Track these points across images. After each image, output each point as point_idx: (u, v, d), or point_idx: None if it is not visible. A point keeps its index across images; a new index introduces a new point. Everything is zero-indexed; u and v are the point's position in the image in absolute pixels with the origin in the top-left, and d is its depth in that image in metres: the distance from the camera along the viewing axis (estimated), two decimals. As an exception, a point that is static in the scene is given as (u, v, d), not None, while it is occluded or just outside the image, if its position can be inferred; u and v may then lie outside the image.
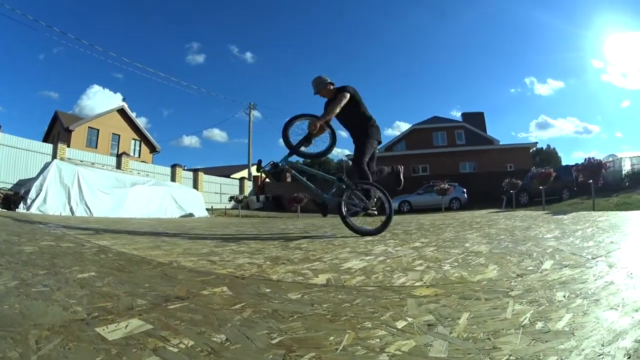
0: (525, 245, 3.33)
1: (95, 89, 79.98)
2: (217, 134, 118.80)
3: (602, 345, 1.11)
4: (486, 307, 1.51)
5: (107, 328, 1.27)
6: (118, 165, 20.37)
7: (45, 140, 31.35)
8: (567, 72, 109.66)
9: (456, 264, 2.51)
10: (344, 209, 4.83)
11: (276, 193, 29.69)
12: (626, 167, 25.66)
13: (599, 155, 36.11)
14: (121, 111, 38.86)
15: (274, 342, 1.17)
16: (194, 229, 7.03)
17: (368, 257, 2.89)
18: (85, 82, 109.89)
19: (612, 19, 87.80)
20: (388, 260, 2.72)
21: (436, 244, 3.64)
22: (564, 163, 62.51)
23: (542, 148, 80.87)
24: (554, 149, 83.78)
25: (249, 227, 7.50)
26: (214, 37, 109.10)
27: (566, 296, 1.64)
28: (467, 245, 3.48)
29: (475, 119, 43.46)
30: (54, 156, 17.01)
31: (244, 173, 39.85)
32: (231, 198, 22.91)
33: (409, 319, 1.37)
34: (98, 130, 35.56)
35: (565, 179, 18.27)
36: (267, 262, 2.76)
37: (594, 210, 7.44)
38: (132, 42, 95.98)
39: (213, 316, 1.42)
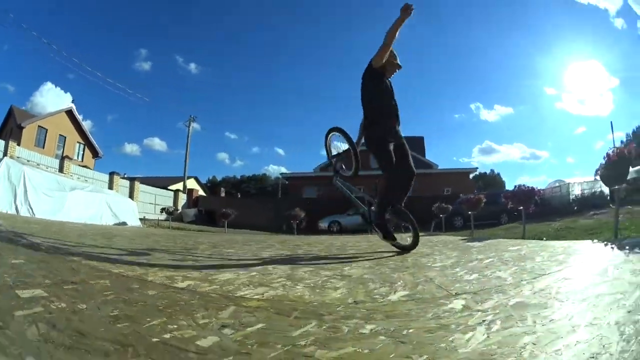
0: (403, 272, 3.22)
1: (49, 86, 77.50)
2: (158, 143, 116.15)
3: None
4: (285, 324, 1.72)
5: (22, 292, 1.97)
6: (60, 169, 20.17)
7: (-1, 133, 30.43)
8: (518, 98, 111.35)
9: (312, 284, 2.66)
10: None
11: (209, 207, 29.82)
12: (576, 192, 26.29)
13: (548, 180, 37.51)
14: (69, 112, 38.40)
15: (111, 313, 1.79)
16: (116, 235, 7.47)
17: (243, 271, 3.23)
18: (40, 79, 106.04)
19: (571, 47, 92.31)
20: (257, 276, 3.00)
21: (319, 265, 3.83)
22: (508, 187, 65.11)
23: (485, 173, 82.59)
24: (498, 174, 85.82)
25: (167, 239, 7.92)
26: (162, 46, 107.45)
27: (372, 330, 1.64)
28: (346, 268, 3.52)
29: (415, 143, 43.49)
30: (5, 153, 16.83)
31: (180, 185, 39.79)
32: (162, 210, 22.96)
33: (212, 319, 1.77)
34: (47, 129, 34.85)
35: (502, 203, 18.15)
36: (155, 268, 3.26)
37: (523, 237, 7.22)
38: (84, 41, 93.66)
39: (88, 295, 2.07)
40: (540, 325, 1.63)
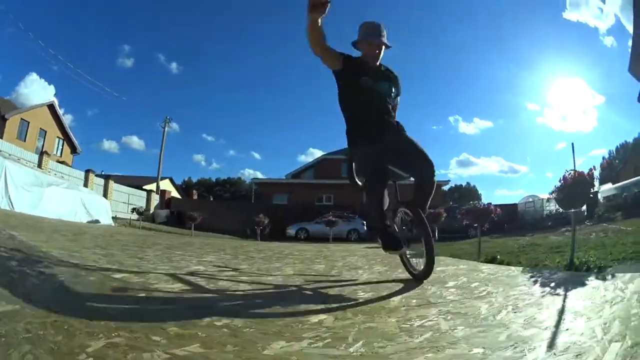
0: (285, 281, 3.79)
1: (34, 77, 77.06)
2: (136, 142, 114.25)
3: None
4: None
5: None
6: (39, 164, 20.77)
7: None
8: (498, 112, 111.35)
9: (225, 280, 3.61)
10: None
11: (180, 209, 29.96)
12: (551, 208, 26.26)
13: (525, 194, 36.70)
14: (51, 107, 38.42)
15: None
16: (84, 233, 8.42)
17: (175, 271, 3.93)
18: (25, 69, 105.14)
19: (558, 64, 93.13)
20: (184, 274, 3.75)
21: (242, 271, 4.45)
22: (485, 200, 64.76)
23: (461, 185, 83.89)
24: (474, 186, 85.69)
25: (128, 238, 8.78)
26: (144, 43, 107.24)
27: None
28: (238, 271, 4.36)
29: None
30: None
31: (155, 185, 39.62)
32: (133, 210, 23.33)
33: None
34: (29, 122, 34.94)
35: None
36: (102, 260, 4.22)
37: (479, 253, 6.85)
38: (69, 33, 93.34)
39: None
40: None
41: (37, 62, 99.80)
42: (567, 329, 1.83)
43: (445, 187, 44.52)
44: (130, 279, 3.20)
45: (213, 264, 4.98)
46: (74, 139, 41.66)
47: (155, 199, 33.67)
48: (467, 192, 77.55)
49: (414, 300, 2.73)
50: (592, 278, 3.25)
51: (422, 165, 3.59)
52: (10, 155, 18.09)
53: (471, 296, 2.90)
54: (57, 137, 39.21)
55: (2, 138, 20.44)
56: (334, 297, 2.94)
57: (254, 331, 1.86)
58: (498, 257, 6.12)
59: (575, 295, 2.68)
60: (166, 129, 43.34)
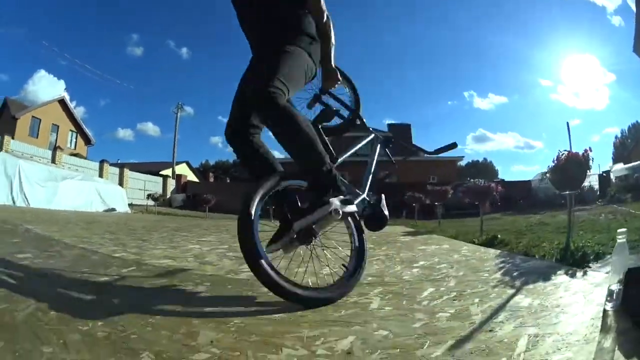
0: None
1: (42, 74, 77.40)
2: (151, 128, 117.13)
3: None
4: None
5: None
6: (53, 159, 21.30)
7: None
8: (512, 88, 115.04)
9: (214, 260, 3.64)
10: None
11: (197, 192, 29.85)
12: None
13: (540, 170, 35.38)
14: (61, 101, 39.01)
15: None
16: (95, 222, 8.64)
17: (173, 250, 4.28)
18: (33, 66, 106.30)
19: (568, 41, 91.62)
20: (186, 254, 4.00)
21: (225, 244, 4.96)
22: (501, 176, 64.58)
23: (478, 161, 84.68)
24: (491, 162, 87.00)
25: (141, 224, 8.96)
26: (153, 30, 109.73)
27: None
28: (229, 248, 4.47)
29: (402, 131, 43.61)
30: (0, 148, 18.08)
31: (170, 171, 40.03)
32: (148, 196, 23.74)
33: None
34: (40, 119, 35.70)
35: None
36: (109, 242, 4.43)
37: (481, 229, 6.93)
38: (74, 28, 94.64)
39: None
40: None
41: (44, 59, 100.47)
42: (489, 330, 1.65)
43: (462, 163, 44.07)
44: (127, 257, 3.55)
45: (211, 243, 5.22)
46: (87, 131, 42.39)
47: (172, 184, 34.09)
48: (483, 168, 77.68)
49: (370, 278, 2.79)
50: (561, 272, 3.00)
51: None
52: (23, 154, 18.55)
53: (426, 278, 2.91)
54: (70, 130, 39.79)
55: (13, 138, 20.85)
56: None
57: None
58: (499, 236, 5.88)
59: (528, 292, 2.36)
60: (179, 113, 44.46)
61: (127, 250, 4.09)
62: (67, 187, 15.88)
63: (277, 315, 1.81)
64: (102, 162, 26.12)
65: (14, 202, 13.21)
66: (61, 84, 66.53)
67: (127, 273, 2.80)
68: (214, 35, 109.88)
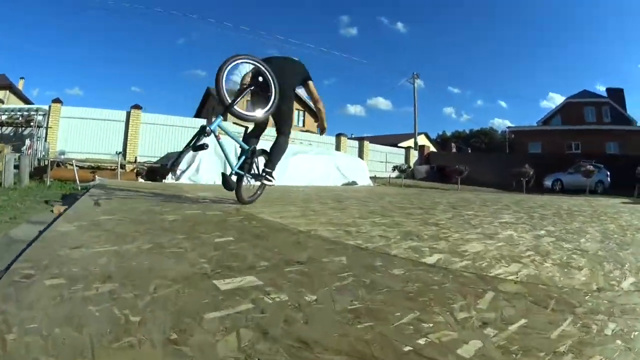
0: (627, 250, 2.96)
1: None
2: (382, 103, 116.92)
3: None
4: (544, 319, 1.43)
5: (224, 281, 1.57)
6: None
7: (197, 115, 36.52)
8: None
9: (559, 261, 2.43)
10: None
11: (440, 163, 29.19)
12: None
13: None
14: (287, 84, 40.90)
15: (350, 307, 1.36)
16: (349, 198, 7.22)
17: (490, 241, 2.97)
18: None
19: None
20: (505, 247, 2.77)
21: (557, 235, 3.58)
22: None
23: None
24: None
25: (402, 199, 7.68)
26: (362, 10, 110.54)
27: (614, 331, 1.35)
28: (582, 240, 3.36)
29: (617, 96, 39.55)
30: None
31: (410, 142, 39.18)
32: (394, 168, 23.38)
33: (472, 313, 1.43)
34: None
35: None
36: (397, 237, 2.93)
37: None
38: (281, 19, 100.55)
39: (318, 280, 1.66)
40: None
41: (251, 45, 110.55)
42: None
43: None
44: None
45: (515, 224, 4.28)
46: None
47: (414, 155, 33.03)
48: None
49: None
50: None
51: None
52: (239, 134, 18.82)
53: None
54: (296, 109, 41.00)
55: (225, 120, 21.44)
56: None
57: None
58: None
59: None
60: (415, 84, 42.80)
61: (438, 247, 2.70)
62: (298, 162, 15.34)
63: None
64: (338, 135, 25.91)
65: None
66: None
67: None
68: (428, 4, 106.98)
